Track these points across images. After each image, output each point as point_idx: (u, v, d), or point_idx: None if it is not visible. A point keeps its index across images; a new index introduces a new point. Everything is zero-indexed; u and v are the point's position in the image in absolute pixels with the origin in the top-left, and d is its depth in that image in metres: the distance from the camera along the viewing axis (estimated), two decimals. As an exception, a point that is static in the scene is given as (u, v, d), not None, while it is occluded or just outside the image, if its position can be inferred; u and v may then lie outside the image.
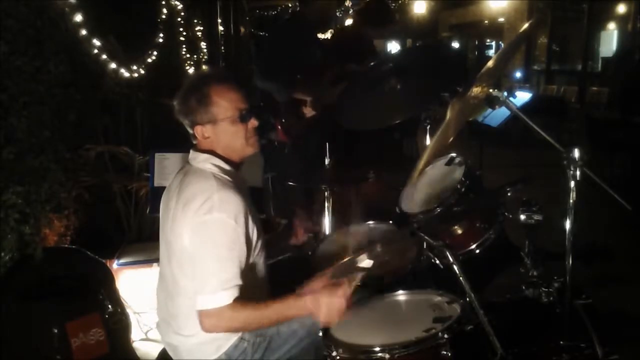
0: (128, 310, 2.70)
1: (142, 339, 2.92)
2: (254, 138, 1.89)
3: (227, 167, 1.84)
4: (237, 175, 1.87)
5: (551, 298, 1.95)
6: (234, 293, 1.69)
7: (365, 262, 1.73)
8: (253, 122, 1.86)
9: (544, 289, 1.96)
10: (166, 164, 2.87)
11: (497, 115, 6.66)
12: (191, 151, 1.89)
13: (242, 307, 1.70)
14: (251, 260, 1.82)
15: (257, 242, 1.83)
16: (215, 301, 1.68)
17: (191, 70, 7.28)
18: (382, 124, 2.58)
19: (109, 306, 2.48)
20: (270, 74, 3.46)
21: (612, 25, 13.01)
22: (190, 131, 1.87)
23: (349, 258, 1.99)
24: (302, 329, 1.87)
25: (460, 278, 1.81)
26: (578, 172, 1.66)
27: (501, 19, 14.79)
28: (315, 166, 2.82)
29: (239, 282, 1.71)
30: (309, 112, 3.39)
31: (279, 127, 3.46)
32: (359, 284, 1.78)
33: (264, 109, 3.23)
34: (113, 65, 3.99)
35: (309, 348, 1.91)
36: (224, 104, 1.81)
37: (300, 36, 3.48)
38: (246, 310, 1.71)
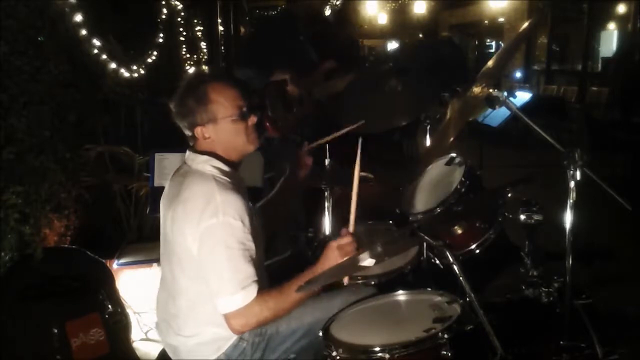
0: (128, 310, 2.70)
1: (142, 339, 2.92)
2: (254, 135, 1.87)
3: (226, 168, 1.82)
4: (235, 176, 1.86)
5: (551, 298, 1.96)
6: (254, 288, 1.70)
7: (367, 261, 1.73)
8: (252, 119, 1.85)
9: (544, 289, 1.97)
10: (166, 164, 2.87)
11: (497, 115, 6.68)
12: (188, 152, 1.87)
13: (267, 297, 1.71)
14: None
15: (257, 243, 1.83)
16: (238, 301, 1.68)
17: (191, 71, 7.29)
18: (385, 127, 2.58)
19: (109, 306, 2.48)
20: (250, 61, 3.43)
21: (612, 25, 13.03)
22: (189, 133, 1.85)
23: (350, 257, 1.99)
24: (302, 328, 1.87)
25: (460, 278, 1.81)
26: (578, 172, 1.66)
27: (501, 19, 14.81)
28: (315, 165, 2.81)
29: (256, 277, 1.71)
30: (294, 96, 3.35)
31: (267, 121, 3.44)
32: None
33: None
34: (113, 65, 4.00)
35: (308, 348, 1.90)
36: (224, 102, 1.80)
37: (287, 30, 3.50)
38: (272, 298, 1.71)
